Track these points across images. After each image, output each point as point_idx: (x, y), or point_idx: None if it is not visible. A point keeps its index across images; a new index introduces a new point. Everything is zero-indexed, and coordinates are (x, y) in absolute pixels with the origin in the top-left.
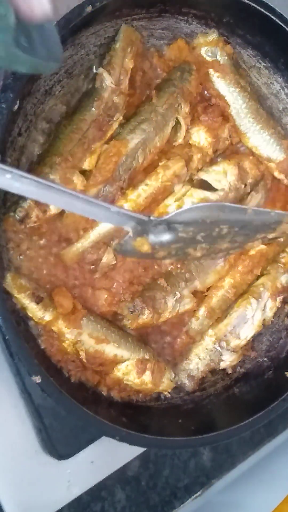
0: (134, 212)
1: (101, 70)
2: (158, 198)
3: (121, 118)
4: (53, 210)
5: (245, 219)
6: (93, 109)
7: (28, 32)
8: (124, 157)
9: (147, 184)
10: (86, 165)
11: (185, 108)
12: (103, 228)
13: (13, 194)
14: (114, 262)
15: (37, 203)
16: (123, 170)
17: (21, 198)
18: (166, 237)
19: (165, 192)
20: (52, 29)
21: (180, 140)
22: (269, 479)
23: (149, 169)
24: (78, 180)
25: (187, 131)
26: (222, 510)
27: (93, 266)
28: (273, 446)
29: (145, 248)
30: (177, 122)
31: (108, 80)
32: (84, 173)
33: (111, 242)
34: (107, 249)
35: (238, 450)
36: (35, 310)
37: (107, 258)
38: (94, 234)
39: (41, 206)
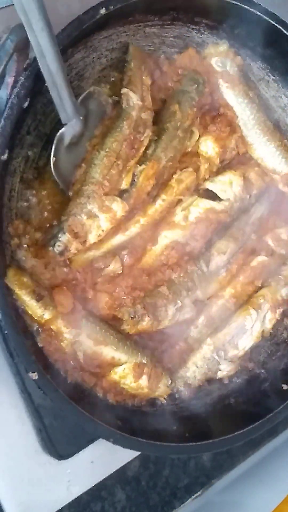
0: None
1: (125, 90)
2: (171, 211)
3: (150, 133)
4: (92, 240)
5: None
6: (124, 128)
7: None
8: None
9: (163, 200)
10: (124, 185)
11: (198, 119)
12: (117, 240)
13: (52, 227)
14: (120, 271)
15: (75, 235)
16: (154, 188)
17: (60, 231)
18: None
19: (178, 204)
20: None
21: (189, 148)
22: (269, 479)
23: None
24: (118, 206)
25: (196, 145)
26: (222, 510)
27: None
28: (273, 446)
29: None
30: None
31: (134, 98)
32: (122, 192)
33: (121, 252)
34: (115, 258)
35: (238, 450)
36: (35, 308)
37: (114, 266)
38: (107, 246)
39: (80, 238)
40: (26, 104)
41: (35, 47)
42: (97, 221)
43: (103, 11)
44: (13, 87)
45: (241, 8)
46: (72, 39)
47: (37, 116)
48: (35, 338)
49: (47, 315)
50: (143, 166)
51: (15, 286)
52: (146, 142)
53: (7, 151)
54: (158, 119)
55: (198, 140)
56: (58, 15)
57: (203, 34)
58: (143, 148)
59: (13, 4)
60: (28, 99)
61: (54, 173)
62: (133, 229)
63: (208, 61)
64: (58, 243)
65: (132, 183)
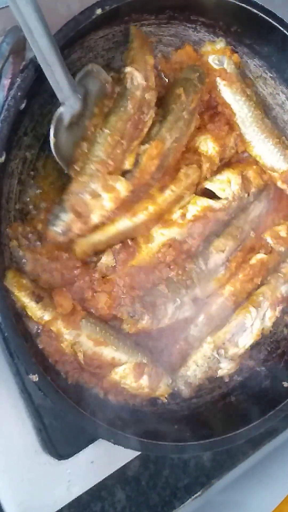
0: None
1: (129, 69)
2: (175, 204)
3: (154, 114)
4: (95, 219)
5: None
6: (128, 108)
7: None
8: (161, 157)
9: (172, 190)
10: (127, 165)
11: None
12: (122, 224)
13: (55, 208)
14: (113, 264)
15: (78, 215)
16: (158, 170)
17: (62, 210)
18: None
19: (182, 199)
20: None
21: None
22: (269, 479)
23: None
24: (121, 186)
25: (194, 139)
26: (222, 510)
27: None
28: (273, 446)
29: None
30: None
31: (138, 78)
32: (124, 173)
33: (113, 246)
34: (107, 250)
35: (238, 450)
36: (34, 309)
37: (106, 259)
38: (112, 230)
39: (83, 218)
40: (23, 105)
41: (21, 22)
42: (100, 200)
43: (99, 11)
44: (10, 89)
45: (237, 5)
46: (69, 40)
47: (34, 117)
48: (35, 340)
49: (46, 317)
50: (147, 145)
51: (14, 288)
52: (149, 123)
53: (4, 153)
54: (163, 103)
55: (197, 139)
56: (58, 15)
57: (200, 32)
58: (146, 129)
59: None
60: (25, 100)
61: (55, 154)
62: (141, 215)
63: (205, 59)
64: (61, 223)
65: (136, 163)
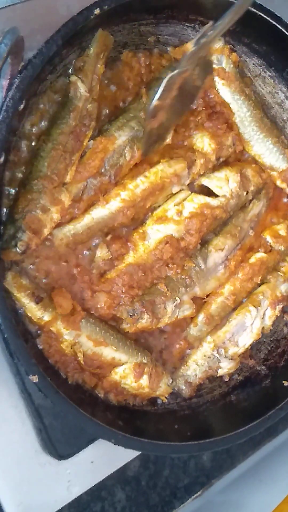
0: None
1: (74, 78)
2: (156, 193)
3: (94, 124)
4: (46, 233)
5: None
6: (70, 120)
7: None
8: (111, 153)
9: (146, 176)
10: (68, 178)
11: None
12: (98, 213)
13: (7, 227)
14: (109, 257)
15: (35, 232)
16: (109, 165)
17: (19, 230)
18: None
19: (163, 189)
20: None
21: (168, 140)
22: (269, 479)
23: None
24: (65, 197)
25: (190, 136)
26: (222, 510)
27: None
28: (273, 446)
29: None
30: None
31: (82, 89)
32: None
33: (105, 238)
34: (100, 244)
35: (238, 450)
36: (34, 310)
37: (101, 252)
38: (88, 219)
39: (37, 234)
40: (21, 106)
41: None
42: (50, 214)
43: (97, 11)
44: (8, 90)
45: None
46: (67, 40)
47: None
48: (35, 341)
49: (46, 317)
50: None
51: (14, 289)
52: (90, 134)
53: (3, 154)
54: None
55: (193, 136)
56: (58, 15)
57: (198, 32)
58: (86, 140)
59: (9, 5)
60: (23, 101)
61: None
62: (114, 202)
63: None
64: (20, 243)
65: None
